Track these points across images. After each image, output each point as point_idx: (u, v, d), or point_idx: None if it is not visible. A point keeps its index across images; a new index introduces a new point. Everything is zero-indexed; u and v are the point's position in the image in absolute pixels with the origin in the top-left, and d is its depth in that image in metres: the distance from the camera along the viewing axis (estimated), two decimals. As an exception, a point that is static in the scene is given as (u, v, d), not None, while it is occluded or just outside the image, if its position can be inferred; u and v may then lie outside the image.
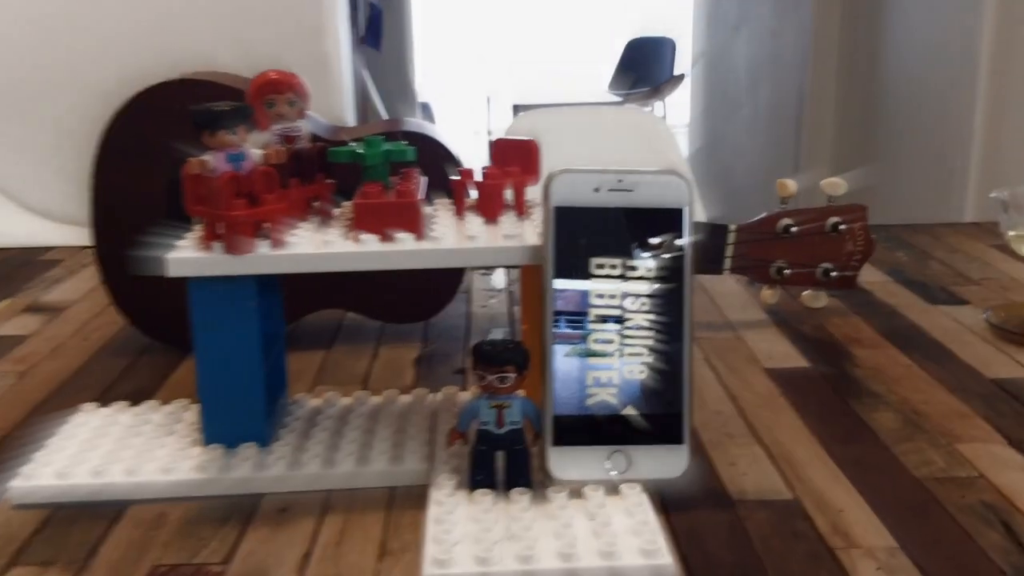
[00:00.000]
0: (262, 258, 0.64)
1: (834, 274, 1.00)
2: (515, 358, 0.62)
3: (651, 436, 0.64)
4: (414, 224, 0.65)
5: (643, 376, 0.64)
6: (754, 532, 0.61)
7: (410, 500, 0.66)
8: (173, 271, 0.65)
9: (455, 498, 0.63)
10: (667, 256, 0.64)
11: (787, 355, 0.91)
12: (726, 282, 1.14)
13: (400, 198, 0.66)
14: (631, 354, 0.64)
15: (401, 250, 0.65)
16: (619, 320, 0.64)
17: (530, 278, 0.71)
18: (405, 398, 0.79)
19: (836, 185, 1.01)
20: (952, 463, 0.69)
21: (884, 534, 0.60)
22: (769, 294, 1.02)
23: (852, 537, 0.60)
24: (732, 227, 0.99)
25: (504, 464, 0.63)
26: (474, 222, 0.70)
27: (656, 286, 0.64)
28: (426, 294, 0.99)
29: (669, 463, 0.64)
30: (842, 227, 1.00)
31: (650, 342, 0.64)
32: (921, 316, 1.01)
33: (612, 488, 0.63)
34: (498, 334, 1.00)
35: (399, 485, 0.68)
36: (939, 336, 0.95)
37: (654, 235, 0.64)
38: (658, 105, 5.89)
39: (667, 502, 0.64)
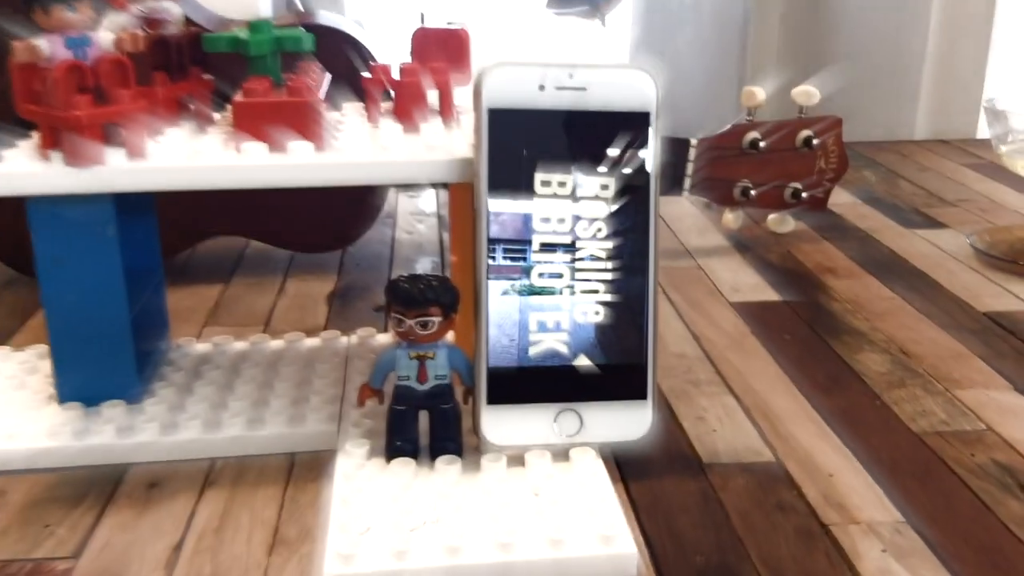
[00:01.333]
0: (113, 172, 0.50)
1: (804, 195, 0.90)
2: (440, 297, 0.50)
3: (608, 391, 0.52)
4: (311, 130, 0.52)
5: (599, 318, 0.52)
6: (731, 505, 0.50)
7: (313, 471, 0.54)
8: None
9: (367, 470, 0.51)
10: (629, 171, 0.52)
11: (754, 287, 0.80)
12: (681, 204, 1.03)
13: (293, 96, 0.52)
14: (584, 291, 0.52)
15: (294, 163, 0.51)
16: (569, 249, 0.52)
17: (460, 199, 0.58)
18: (312, 342, 0.67)
19: (808, 94, 0.90)
20: (954, 414, 0.59)
21: (885, 505, 0.50)
22: (731, 218, 0.91)
23: (848, 509, 0.50)
24: (693, 142, 0.87)
25: (428, 427, 0.51)
26: (390, 129, 0.57)
27: (615, 208, 0.52)
28: (342, 219, 0.85)
29: (630, 423, 0.52)
30: (815, 142, 0.89)
31: (607, 276, 0.52)
32: (898, 241, 0.91)
33: (561, 455, 0.52)
34: (425, 265, 0.88)
35: (300, 451, 0.56)
36: (921, 264, 0.85)
37: (613, 145, 0.52)
38: (598, 23, 5.70)
39: (625, 470, 0.53)
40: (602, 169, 0.52)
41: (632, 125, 0.52)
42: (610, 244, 0.52)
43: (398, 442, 0.52)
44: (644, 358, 0.53)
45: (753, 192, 0.88)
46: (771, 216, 0.93)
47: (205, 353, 0.65)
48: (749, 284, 0.81)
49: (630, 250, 0.53)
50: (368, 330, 0.68)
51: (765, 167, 0.89)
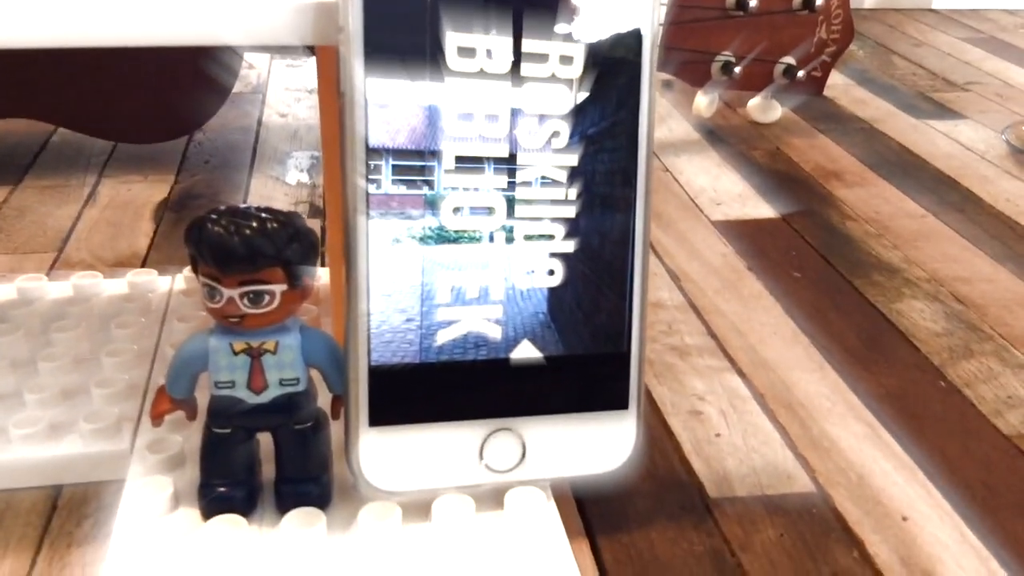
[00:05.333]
0: None
1: (800, 73, 0.69)
2: (284, 250, 0.29)
3: (567, 399, 0.32)
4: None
5: (553, 282, 0.32)
6: (759, 578, 0.31)
7: (86, 518, 0.33)
8: None
9: (165, 530, 0.30)
10: (607, 34, 0.30)
11: (741, 197, 0.61)
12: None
13: None
14: (531, 237, 0.31)
15: (88, 9, 0.28)
16: (506, 167, 0.31)
17: (329, 72, 0.37)
18: (112, 288, 0.45)
19: (809, -62, 0.68)
20: (1049, 400, 0.41)
21: (992, 570, 0.32)
22: (705, 102, 0.70)
23: (939, 581, 0.32)
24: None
25: (274, 461, 0.30)
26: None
27: (583, 97, 0.31)
28: (180, 94, 0.61)
29: (601, 448, 0.33)
30: (817, 3, 0.68)
31: (568, 213, 0.31)
32: (910, 136, 0.72)
33: (490, 501, 0.32)
34: (301, 162, 0.65)
35: (66, 484, 0.35)
36: (946, 167, 0.66)
37: (582, -17, 0.30)
38: None
39: (593, 518, 0.34)
40: (563, 29, 0.30)
41: (613, -48, 0.30)
42: (574, 159, 0.31)
43: (219, 486, 0.31)
44: (626, 345, 0.32)
45: (737, 68, 0.67)
46: (753, 101, 0.73)
47: (-57, 307, 0.43)
48: (733, 193, 0.61)
49: (606, 169, 0.32)
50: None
51: (753, 35, 0.68)
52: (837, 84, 0.83)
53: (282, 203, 0.59)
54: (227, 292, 0.29)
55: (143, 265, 0.51)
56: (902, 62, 0.91)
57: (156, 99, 0.61)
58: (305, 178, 0.63)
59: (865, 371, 0.43)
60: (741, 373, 0.43)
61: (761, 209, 0.59)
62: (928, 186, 0.63)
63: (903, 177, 0.64)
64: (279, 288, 0.29)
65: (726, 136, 0.71)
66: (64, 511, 0.34)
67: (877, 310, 0.48)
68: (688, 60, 0.67)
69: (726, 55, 0.67)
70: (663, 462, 0.37)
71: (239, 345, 0.30)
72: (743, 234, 0.55)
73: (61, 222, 0.55)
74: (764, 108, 0.72)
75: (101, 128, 0.62)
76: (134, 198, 0.58)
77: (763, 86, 0.70)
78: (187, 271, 0.45)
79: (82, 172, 0.61)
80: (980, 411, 0.41)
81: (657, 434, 0.39)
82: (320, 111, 0.41)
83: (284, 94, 0.77)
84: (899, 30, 1.02)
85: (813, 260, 0.53)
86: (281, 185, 0.62)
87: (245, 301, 0.29)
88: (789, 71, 0.69)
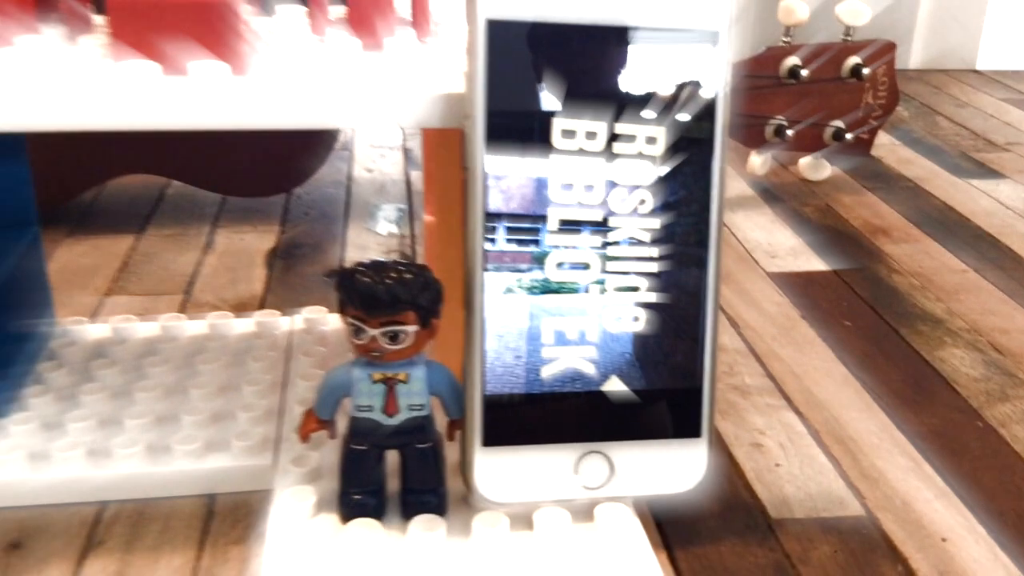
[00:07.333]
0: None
1: (848, 135, 0.75)
2: (417, 298, 0.35)
3: (649, 427, 0.38)
4: (225, 43, 0.35)
5: (638, 327, 0.37)
6: (816, 588, 0.36)
7: (238, 526, 0.39)
8: None
9: (313, 533, 0.36)
10: (687, 118, 0.36)
11: (794, 251, 0.66)
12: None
13: (199, -6, 0.35)
14: (619, 289, 0.37)
15: (199, 96, 0.35)
16: (600, 230, 0.36)
17: (439, 150, 0.43)
18: (242, 326, 0.51)
19: (857, 13, 0.74)
20: (1078, 440, 0.46)
21: (1023, 587, 0.37)
22: (758, 162, 0.76)
23: (974, 596, 0.36)
24: (720, 67, 0.71)
25: (400, 474, 0.36)
26: (341, 45, 0.40)
27: (665, 171, 0.37)
28: (287, 154, 0.69)
29: (678, 470, 0.38)
30: (864, 71, 0.73)
31: (652, 268, 0.37)
32: (952, 194, 0.77)
33: (583, 514, 0.38)
34: (389, 214, 0.72)
35: (220, 493, 0.41)
36: (987, 225, 0.71)
37: (665, 80, 0.36)
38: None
39: (669, 532, 0.39)
40: (649, 115, 0.36)
41: (693, 50, 0.36)
42: (657, 223, 0.37)
43: (356, 494, 0.37)
44: (699, 381, 0.38)
45: (789, 131, 0.73)
46: (804, 160, 0.78)
47: (99, 341, 0.49)
48: (786, 247, 0.66)
49: (684, 231, 0.37)
50: (317, 310, 0.52)
51: (804, 100, 0.73)
52: (884, 144, 0.88)
53: (375, 252, 0.66)
54: (371, 331, 0.35)
55: (260, 306, 0.57)
56: (946, 122, 0.96)
57: (265, 157, 0.69)
58: (394, 229, 0.69)
59: (910, 411, 0.48)
60: (797, 411, 0.48)
61: (813, 262, 0.64)
62: (969, 242, 0.68)
63: (946, 234, 0.69)
64: (412, 328, 0.35)
65: (779, 193, 0.76)
66: (220, 516, 0.40)
67: (921, 357, 0.53)
68: (743, 124, 0.73)
69: (779, 119, 0.73)
70: (729, 487, 0.42)
71: (377, 375, 0.36)
72: (797, 285, 0.61)
73: (184, 267, 0.62)
74: (815, 167, 0.77)
75: (214, 182, 0.70)
76: (247, 246, 0.65)
77: (814, 148, 0.75)
78: (306, 311, 0.52)
79: (198, 222, 0.68)
80: (1014, 448, 0.45)
81: (723, 464, 0.44)
82: (425, 168, 0.47)
83: (370, 151, 0.84)
84: (944, 91, 1.07)
85: (862, 310, 0.58)
86: (373, 235, 0.68)
87: (385, 339, 0.35)
88: (838, 134, 0.74)
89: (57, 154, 0.54)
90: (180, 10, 0.34)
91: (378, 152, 0.84)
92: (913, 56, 1.23)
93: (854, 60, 0.73)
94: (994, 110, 0.99)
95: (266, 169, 0.69)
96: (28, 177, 0.48)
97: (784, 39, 0.73)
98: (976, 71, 1.16)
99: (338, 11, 0.43)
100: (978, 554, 0.38)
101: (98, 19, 0.42)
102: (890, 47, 0.75)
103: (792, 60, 0.72)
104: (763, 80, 0.72)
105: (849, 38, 0.74)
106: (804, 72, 0.71)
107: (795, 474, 0.43)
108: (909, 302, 0.59)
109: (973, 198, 0.76)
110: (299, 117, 0.36)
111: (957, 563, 0.38)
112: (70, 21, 0.40)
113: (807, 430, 0.46)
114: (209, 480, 0.41)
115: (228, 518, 0.40)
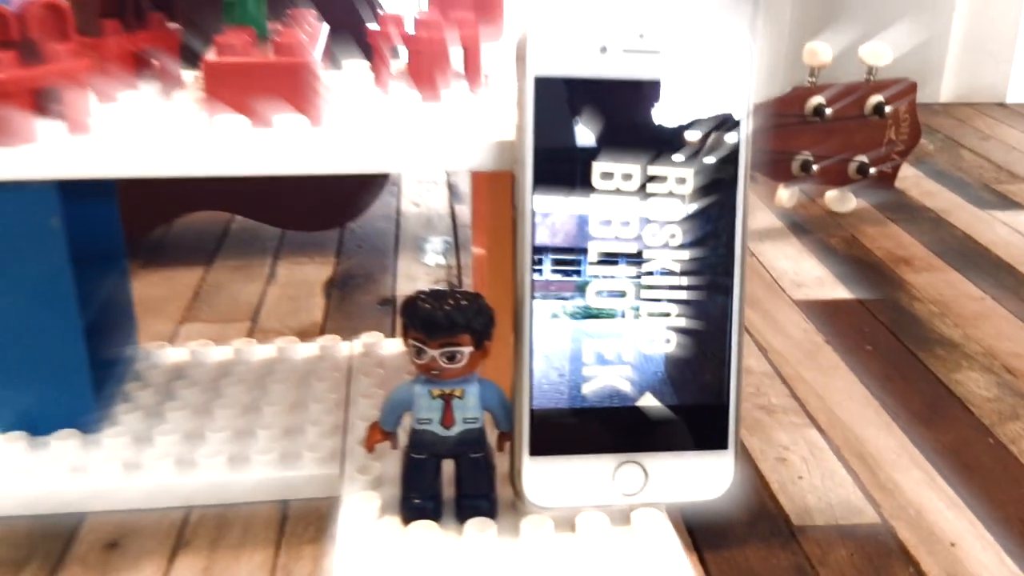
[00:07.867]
0: (48, 153, 0.39)
1: (872, 170, 0.78)
2: (472, 322, 0.39)
3: (680, 439, 0.42)
4: (304, 98, 0.40)
5: (670, 348, 0.41)
6: (834, 586, 0.40)
7: (310, 527, 0.43)
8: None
9: (377, 533, 0.40)
10: (713, 161, 0.41)
11: (820, 280, 0.69)
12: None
13: (281, 55, 0.40)
14: (652, 315, 0.41)
15: (282, 144, 0.40)
16: (635, 261, 0.41)
17: (488, 191, 0.47)
18: (307, 350, 0.56)
19: (879, 54, 0.78)
20: (1085, 457, 0.49)
21: (1026, 588, 0.40)
22: (786, 195, 0.79)
23: (981, 596, 0.40)
24: (748, 107, 0.76)
25: (455, 481, 0.40)
26: (401, 98, 0.45)
27: (694, 209, 0.41)
28: (341, 191, 0.74)
29: (706, 479, 0.42)
30: (886, 109, 0.77)
31: (682, 296, 0.41)
32: (974, 225, 0.80)
33: (620, 518, 0.41)
34: (436, 246, 0.76)
35: (294, 499, 0.45)
36: (1006, 255, 0.74)
37: (694, 127, 0.40)
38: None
39: (699, 536, 0.43)
40: (679, 158, 0.40)
41: (718, 100, 0.40)
42: (686, 255, 0.41)
43: (416, 499, 0.41)
44: (725, 398, 0.42)
45: (815, 166, 0.77)
46: (830, 193, 0.81)
47: (179, 364, 0.54)
48: (813, 277, 0.70)
49: (711, 263, 0.41)
50: (374, 335, 0.57)
51: (829, 137, 0.77)
52: (908, 176, 0.92)
53: (424, 282, 0.70)
54: (431, 352, 0.39)
55: (321, 332, 0.62)
56: (969, 155, 0.99)
57: (321, 194, 0.74)
58: (441, 260, 0.74)
59: (926, 429, 0.51)
60: (820, 429, 0.51)
61: (838, 291, 0.68)
62: (988, 271, 0.71)
63: (966, 264, 0.72)
64: (467, 350, 0.40)
65: (805, 225, 0.80)
66: (293, 519, 0.44)
67: (938, 379, 0.56)
68: (772, 159, 0.77)
69: (805, 154, 0.77)
70: (755, 497, 0.46)
71: (436, 391, 0.40)
72: (821, 312, 0.64)
73: (250, 296, 0.67)
74: (840, 200, 0.81)
75: (274, 217, 0.75)
76: (306, 277, 0.70)
77: (839, 182, 0.79)
78: (364, 336, 0.56)
79: (260, 255, 0.74)
80: (1022, 463, 0.48)
81: (750, 476, 0.48)
82: (474, 204, 0.52)
83: (416, 186, 0.89)
84: (969, 124, 1.10)
85: (883, 336, 0.61)
86: (421, 266, 0.73)
87: (443, 359, 0.39)
88: (862, 168, 0.78)
89: (130, 194, 0.59)
90: (268, 70, 0.40)
91: (424, 187, 0.88)
92: (944, 90, 1.26)
93: (876, 98, 0.77)
94: (1016, 142, 1.03)
95: (322, 205, 0.74)
96: (117, 215, 0.53)
97: (809, 79, 0.77)
98: (1003, 104, 1.19)
99: (398, 65, 0.48)
100: (986, 558, 0.42)
101: (187, 76, 0.47)
102: (912, 87, 0.79)
103: (817, 99, 0.76)
104: (789, 118, 0.76)
105: (872, 78, 0.78)
106: (828, 110, 0.75)
107: (816, 485, 0.47)
108: (928, 328, 0.62)
109: (993, 228, 0.79)
110: (368, 162, 0.40)
111: (965, 567, 0.41)
112: (163, 78, 0.45)
113: (829, 446, 0.50)
114: (284, 487, 0.45)
115: (301, 521, 0.44)
